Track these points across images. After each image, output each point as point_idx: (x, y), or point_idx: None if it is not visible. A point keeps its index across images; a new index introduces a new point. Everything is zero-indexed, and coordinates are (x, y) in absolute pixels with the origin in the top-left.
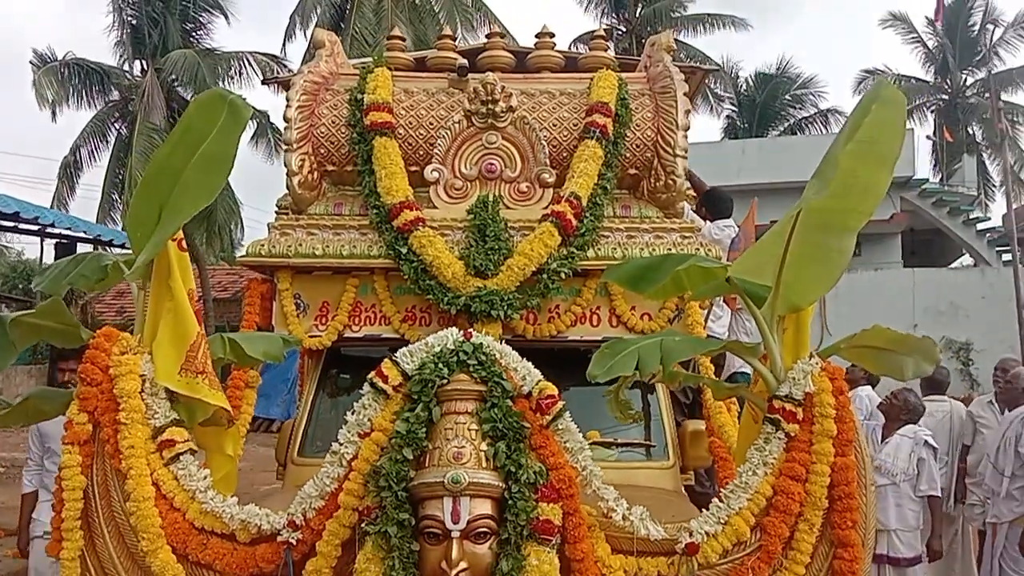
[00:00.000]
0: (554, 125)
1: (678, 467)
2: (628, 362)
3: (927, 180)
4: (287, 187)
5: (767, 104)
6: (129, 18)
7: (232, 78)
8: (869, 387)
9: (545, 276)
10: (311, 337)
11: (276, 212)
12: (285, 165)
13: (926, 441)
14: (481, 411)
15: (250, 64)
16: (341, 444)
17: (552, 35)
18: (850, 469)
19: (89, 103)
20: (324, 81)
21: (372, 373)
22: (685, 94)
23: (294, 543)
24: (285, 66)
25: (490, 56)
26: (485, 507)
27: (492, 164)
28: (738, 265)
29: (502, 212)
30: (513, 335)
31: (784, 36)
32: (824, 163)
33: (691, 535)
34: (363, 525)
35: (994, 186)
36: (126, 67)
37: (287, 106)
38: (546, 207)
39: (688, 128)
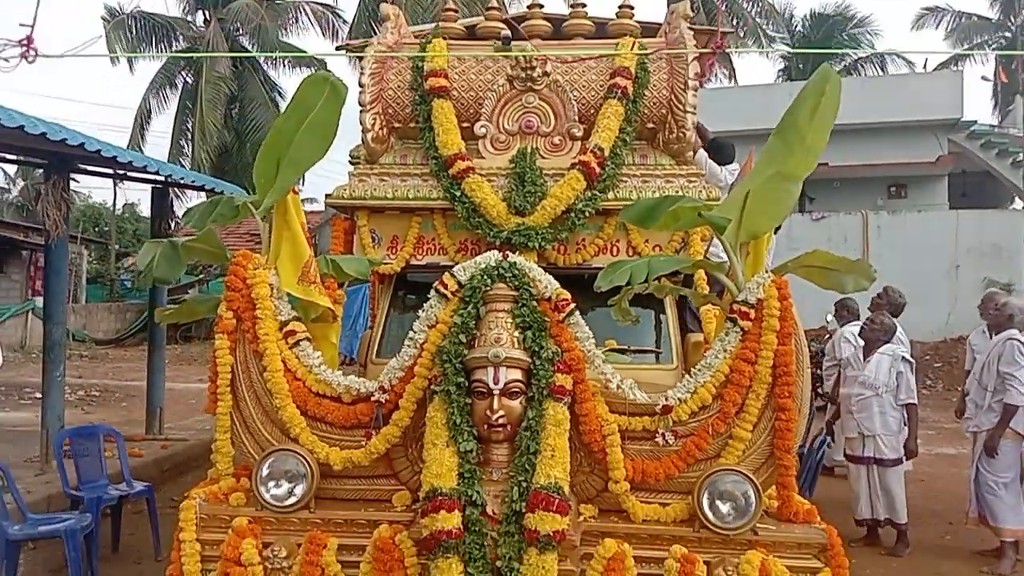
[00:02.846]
0: (583, 87)
1: (681, 370)
2: (623, 276)
3: (975, 122)
4: (362, 141)
5: (822, 45)
6: None
7: (290, 26)
8: None
9: (573, 214)
10: (384, 264)
11: (351, 161)
12: (360, 123)
13: (903, 356)
14: (514, 309)
15: (306, 13)
16: (415, 332)
17: (584, 5)
18: (788, 354)
19: (157, 53)
20: (391, 50)
21: (436, 283)
22: (695, 58)
23: (383, 401)
24: (339, 16)
25: (530, 25)
26: (517, 374)
27: (530, 121)
28: (720, 205)
29: (538, 161)
30: (547, 263)
31: None
32: (786, 126)
33: (667, 400)
34: (432, 387)
35: None
36: (190, 18)
37: (361, 73)
38: (575, 157)
39: (697, 88)
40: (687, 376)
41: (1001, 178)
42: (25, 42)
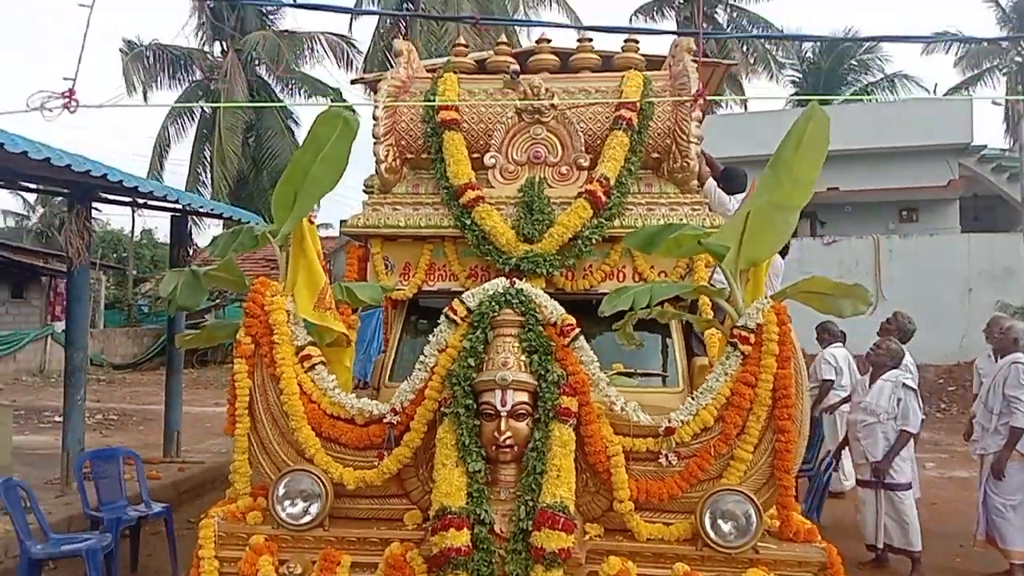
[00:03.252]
0: (589, 118)
1: (687, 393)
2: (627, 301)
3: (985, 146)
4: (376, 172)
5: (833, 70)
6: (208, 1)
7: (305, 56)
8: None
9: (580, 241)
10: (397, 290)
11: (365, 190)
12: (374, 155)
13: (904, 383)
14: (521, 334)
15: (321, 44)
16: (426, 356)
17: (591, 39)
18: (788, 377)
19: (174, 84)
20: (403, 85)
21: (446, 308)
22: (699, 91)
23: (395, 423)
24: (353, 45)
25: (538, 59)
26: (523, 397)
27: (538, 151)
28: (718, 233)
29: (546, 190)
30: (554, 289)
31: None
32: (776, 160)
33: (669, 422)
34: (442, 409)
35: None
36: (207, 48)
37: (375, 106)
38: (581, 186)
39: (701, 119)
40: (689, 399)
41: (1012, 202)
42: (67, 94)
